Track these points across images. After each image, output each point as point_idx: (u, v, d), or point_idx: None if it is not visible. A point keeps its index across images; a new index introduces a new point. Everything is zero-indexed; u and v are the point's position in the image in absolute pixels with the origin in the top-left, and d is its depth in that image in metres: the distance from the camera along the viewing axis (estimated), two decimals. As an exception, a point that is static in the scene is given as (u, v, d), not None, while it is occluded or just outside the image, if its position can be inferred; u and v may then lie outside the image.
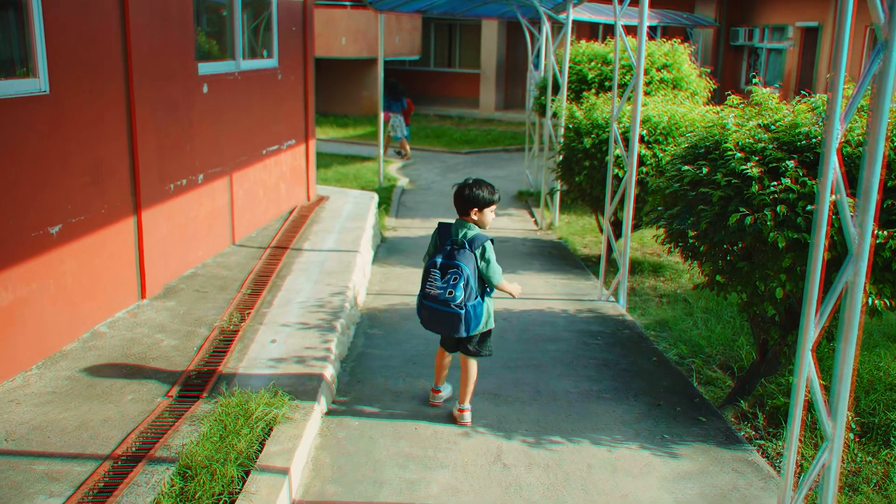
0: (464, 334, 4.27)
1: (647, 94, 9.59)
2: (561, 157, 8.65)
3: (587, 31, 22.50)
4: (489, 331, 4.46)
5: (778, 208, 4.02)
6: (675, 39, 10.84)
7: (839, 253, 3.90)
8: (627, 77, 9.93)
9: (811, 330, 3.19)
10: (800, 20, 18.06)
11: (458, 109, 25.58)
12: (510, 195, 13.02)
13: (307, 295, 6.14)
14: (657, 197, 5.30)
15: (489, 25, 24.80)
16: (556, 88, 10.38)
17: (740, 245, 4.36)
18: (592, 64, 10.87)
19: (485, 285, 4.32)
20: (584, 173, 8.06)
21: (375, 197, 10.35)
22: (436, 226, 4.42)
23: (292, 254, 7.33)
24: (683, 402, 4.91)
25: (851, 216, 2.98)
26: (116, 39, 5.39)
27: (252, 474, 3.56)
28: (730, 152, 4.40)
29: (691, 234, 4.58)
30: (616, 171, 7.30)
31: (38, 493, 3.37)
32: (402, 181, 14.20)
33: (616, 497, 3.81)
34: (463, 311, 4.17)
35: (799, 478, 3.95)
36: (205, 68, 6.84)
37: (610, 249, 7.16)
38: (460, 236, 4.25)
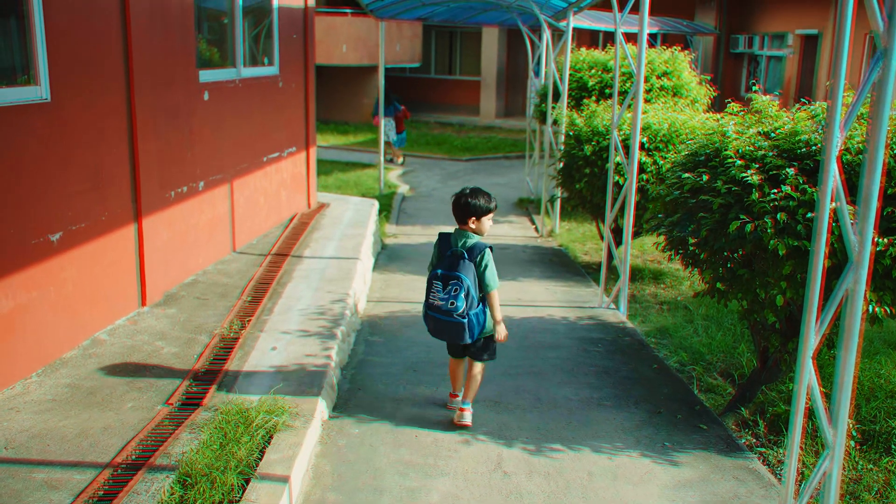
0: (468, 341, 4.37)
1: (647, 101, 9.60)
2: (561, 165, 8.65)
3: (588, 38, 22.54)
4: (492, 335, 4.50)
5: (778, 216, 4.02)
6: (675, 47, 10.86)
7: (839, 260, 3.90)
8: (628, 84, 9.95)
9: (812, 337, 3.19)
10: (800, 28, 18.10)
11: (458, 117, 25.62)
12: (510, 202, 13.02)
13: (308, 302, 6.13)
14: (657, 204, 5.30)
15: (490, 33, 24.86)
16: (557, 96, 10.40)
17: (741, 252, 4.36)
18: (593, 71, 10.89)
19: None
20: (584, 180, 8.07)
21: (376, 204, 10.36)
22: (437, 234, 4.50)
23: (293, 261, 7.33)
24: (684, 410, 4.91)
25: (851, 224, 2.98)
26: (118, 47, 5.40)
27: (252, 482, 3.56)
28: (730, 160, 4.41)
29: (692, 241, 4.58)
30: (616, 178, 7.31)
31: (38, 501, 3.36)
32: (403, 188, 14.22)
33: (617, 505, 3.80)
34: (466, 321, 4.28)
35: (800, 486, 3.94)
36: (206, 76, 6.85)
37: (610, 256, 7.16)
38: (459, 246, 4.34)
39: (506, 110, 26.10)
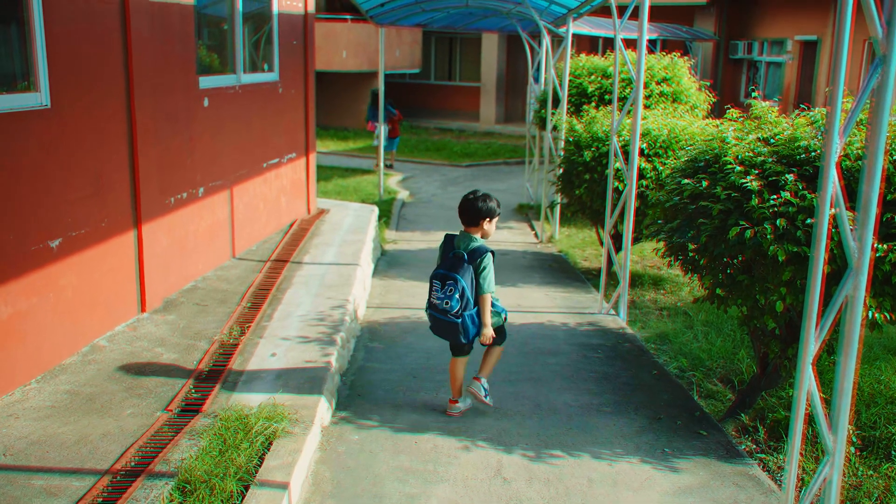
0: (463, 341, 4.56)
1: (646, 107, 9.62)
2: (561, 171, 8.66)
3: (587, 44, 22.58)
4: (501, 326, 4.71)
5: (778, 222, 4.02)
6: (674, 53, 10.89)
7: (839, 266, 3.90)
8: (627, 90, 9.96)
9: (811, 343, 3.19)
10: (799, 34, 18.13)
11: (458, 122, 25.65)
12: (510, 208, 13.03)
13: (307, 308, 6.13)
14: (657, 210, 5.30)
15: (489, 39, 24.90)
16: (557, 102, 10.42)
17: (740, 258, 4.36)
18: (592, 77, 10.91)
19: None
20: (584, 186, 8.07)
21: (376, 210, 10.36)
22: (438, 238, 4.56)
23: (293, 267, 7.33)
24: (684, 416, 4.90)
25: (851, 230, 2.98)
26: (118, 53, 5.41)
27: (251, 489, 3.55)
28: (729, 166, 4.41)
29: (691, 247, 4.58)
30: (616, 184, 7.31)
31: (37, 507, 3.35)
32: (403, 194, 14.23)
33: (617, 512, 3.79)
34: (460, 321, 4.45)
35: (800, 492, 3.93)
36: (206, 82, 6.86)
37: (610, 262, 7.15)
38: (461, 248, 4.50)
39: (505, 116, 26.14)
